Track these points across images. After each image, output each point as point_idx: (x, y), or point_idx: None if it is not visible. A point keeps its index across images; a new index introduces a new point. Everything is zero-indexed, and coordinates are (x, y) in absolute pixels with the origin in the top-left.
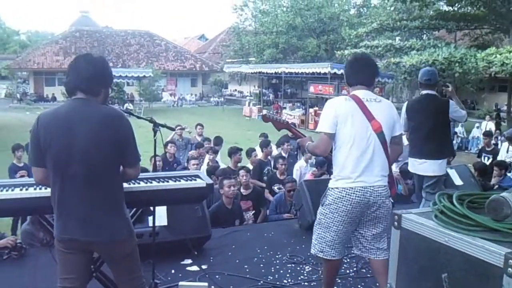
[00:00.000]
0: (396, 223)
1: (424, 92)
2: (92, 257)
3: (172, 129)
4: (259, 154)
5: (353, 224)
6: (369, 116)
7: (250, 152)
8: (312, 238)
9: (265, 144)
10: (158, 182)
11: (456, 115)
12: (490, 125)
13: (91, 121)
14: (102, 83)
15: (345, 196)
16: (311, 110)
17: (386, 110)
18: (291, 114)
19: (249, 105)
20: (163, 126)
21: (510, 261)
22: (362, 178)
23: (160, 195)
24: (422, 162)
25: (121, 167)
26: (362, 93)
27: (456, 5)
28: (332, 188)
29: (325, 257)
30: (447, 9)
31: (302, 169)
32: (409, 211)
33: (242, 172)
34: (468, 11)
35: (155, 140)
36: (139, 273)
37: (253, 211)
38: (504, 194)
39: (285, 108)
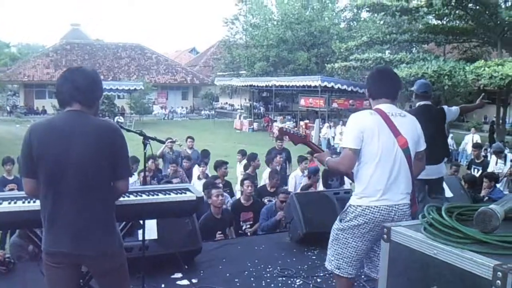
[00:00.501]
0: (385, 236)
1: (422, 103)
2: (81, 272)
3: (162, 142)
4: (239, 170)
5: (372, 242)
6: (395, 132)
7: (253, 157)
8: (327, 254)
9: (252, 158)
10: (148, 195)
11: (452, 115)
12: (476, 138)
13: (87, 133)
14: (97, 95)
15: (369, 215)
16: (301, 123)
17: (411, 125)
18: (294, 128)
19: (240, 118)
20: (153, 139)
21: (499, 273)
22: (387, 196)
23: (150, 209)
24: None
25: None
26: (387, 107)
27: (445, 19)
28: (354, 206)
29: (342, 275)
30: (436, 23)
31: (298, 179)
32: (398, 223)
33: (246, 182)
34: (457, 24)
35: (145, 153)
36: None
37: (251, 222)
38: (492, 206)
39: (275, 121)
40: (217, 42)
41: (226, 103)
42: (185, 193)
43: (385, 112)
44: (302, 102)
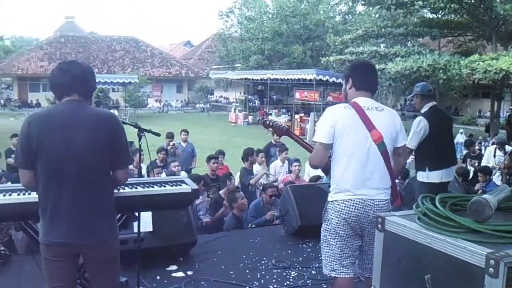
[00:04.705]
0: (380, 225)
1: (431, 104)
2: (78, 264)
3: (158, 135)
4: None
5: (356, 238)
6: (369, 126)
7: (250, 152)
8: (322, 258)
9: (249, 153)
10: (143, 188)
11: None
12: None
13: (88, 122)
14: (94, 86)
15: (344, 209)
16: (296, 116)
17: (389, 120)
18: (277, 121)
19: (235, 111)
20: (148, 131)
21: (491, 261)
22: (361, 191)
23: (145, 201)
24: (449, 170)
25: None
26: (363, 100)
27: (440, 12)
28: (331, 202)
29: (339, 275)
30: (431, 17)
31: (277, 168)
32: (392, 213)
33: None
34: (452, 18)
35: (140, 145)
36: (118, 279)
37: None
38: (485, 196)
39: (270, 114)
40: (212, 35)
41: (221, 96)
42: (181, 185)
43: (361, 106)
44: (297, 95)
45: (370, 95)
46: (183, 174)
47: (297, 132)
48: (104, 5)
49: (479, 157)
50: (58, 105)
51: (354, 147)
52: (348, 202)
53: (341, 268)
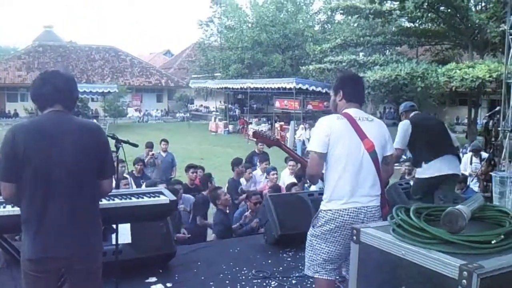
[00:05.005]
0: (355, 237)
1: (415, 113)
2: (58, 278)
3: (135, 146)
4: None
5: (346, 246)
6: (362, 135)
7: (238, 162)
8: (305, 260)
9: (236, 163)
10: (121, 199)
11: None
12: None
13: (74, 132)
14: (76, 97)
15: (339, 218)
16: (276, 124)
17: (378, 129)
18: (267, 131)
19: (215, 120)
20: (125, 142)
21: (464, 273)
22: (355, 198)
23: (123, 213)
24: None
25: None
26: (354, 111)
27: (417, 21)
28: (324, 210)
29: (321, 277)
30: (408, 26)
31: (257, 177)
32: (367, 225)
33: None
34: (429, 27)
35: (117, 156)
36: None
37: None
38: (459, 206)
39: (251, 123)
40: (192, 44)
41: (201, 105)
42: (158, 196)
43: (352, 116)
44: (277, 104)
45: (359, 106)
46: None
47: None
48: (83, 14)
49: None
50: (42, 116)
51: (348, 156)
52: (343, 211)
53: (324, 271)
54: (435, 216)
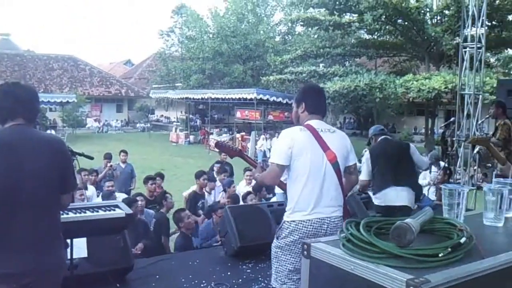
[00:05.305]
0: (305, 252)
1: (382, 138)
2: None
3: (90, 158)
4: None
5: None
6: (324, 147)
7: (199, 175)
8: (272, 272)
9: (198, 176)
10: (75, 213)
11: (420, 159)
12: None
13: (37, 146)
14: (38, 109)
15: (302, 229)
16: (238, 135)
17: (340, 141)
18: (229, 142)
19: (176, 130)
20: (80, 155)
21: (411, 287)
22: (318, 209)
23: (77, 227)
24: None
25: None
26: (316, 123)
27: (376, 33)
28: (288, 221)
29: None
30: (367, 38)
31: (216, 189)
32: (318, 239)
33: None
34: (387, 39)
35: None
36: None
37: None
38: (407, 220)
39: (212, 133)
40: (153, 54)
41: (162, 115)
42: (114, 210)
43: (315, 128)
44: (238, 114)
45: (321, 117)
46: (122, 195)
47: None
48: (42, 22)
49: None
50: (4, 129)
51: (311, 167)
52: (306, 222)
53: (291, 282)
54: (386, 230)
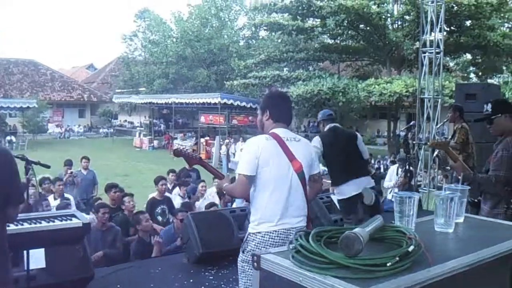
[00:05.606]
0: (255, 263)
1: (331, 125)
2: None
3: (47, 167)
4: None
5: None
6: (290, 156)
7: (157, 180)
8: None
9: (157, 181)
10: (30, 224)
11: (361, 149)
12: None
13: None
14: None
15: (269, 240)
16: (202, 140)
17: (305, 149)
18: (183, 144)
19: (139, 136)
20: (36, 163)
21: None
22: (285, 220)
23: (33, 238)
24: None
25: None
26: (282, 131)
27: (338, 38)
28: (253, 233)
29: None
30: (330, 42)
31: (179, 198)
32: (268, 251)
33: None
34: (350, 44)
35: (27, 179)
36: None
37: None
38: (355, 230)
39: (176, 138)
40: (116, 58)
41: (125, 120)
42: (71, 219)
43: (281, 136)
44: (202, 119)
45: (287, 126)
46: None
47: (203, 156)
48: (1, 27)
49: (375, 176)
50: None
51: (277, 178)
52: (273, 233)
53: None
54: (337, 238)
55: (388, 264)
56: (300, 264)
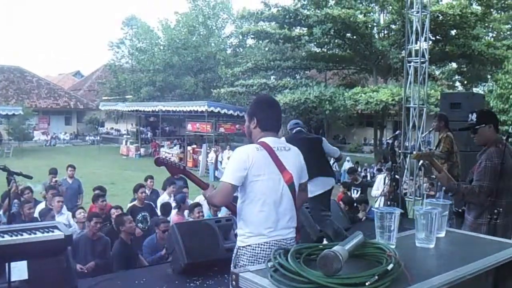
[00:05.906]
0: (234, 282)
1: (298, 128)
2: None
3: (29, 178)
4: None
5: None
6: (281, 167)
7: (137, 188)
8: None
9: (137, 188)
10: (11, 236)
11: (331, 149)
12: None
13: None
14: None
15: (260, 253)
16: (189, 147)
17: (295, 159)
18: (170, 152)
19: (126, 143)
20: (18, 174)
21: None
22: (276, 232)
23: (14, 250)
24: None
25: None
26: (272, 140)
27: (325, 47)
28: (243, 247)
29: None
30: (317, 51)
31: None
32: (247, 269)
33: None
34: (336, 52)
35: (9, 190)
36: None
37: None
38: (335, 248)
39: (163, 146)
40: (102, 66)
41: (112, 128)
42: (53, 231)
43: (271, 146)
44: (189, 127)
45: (276, 134)
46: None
47: (190, 164)
48: None
49: (362, 184)
50: None
51: (268, 190)
52: (264, 245)
53: None
54: (317, 255)
55: (367, 283)
56: (278, 283)
